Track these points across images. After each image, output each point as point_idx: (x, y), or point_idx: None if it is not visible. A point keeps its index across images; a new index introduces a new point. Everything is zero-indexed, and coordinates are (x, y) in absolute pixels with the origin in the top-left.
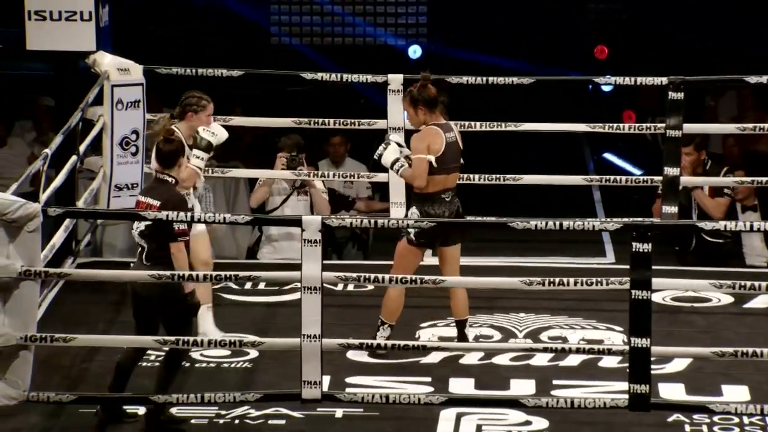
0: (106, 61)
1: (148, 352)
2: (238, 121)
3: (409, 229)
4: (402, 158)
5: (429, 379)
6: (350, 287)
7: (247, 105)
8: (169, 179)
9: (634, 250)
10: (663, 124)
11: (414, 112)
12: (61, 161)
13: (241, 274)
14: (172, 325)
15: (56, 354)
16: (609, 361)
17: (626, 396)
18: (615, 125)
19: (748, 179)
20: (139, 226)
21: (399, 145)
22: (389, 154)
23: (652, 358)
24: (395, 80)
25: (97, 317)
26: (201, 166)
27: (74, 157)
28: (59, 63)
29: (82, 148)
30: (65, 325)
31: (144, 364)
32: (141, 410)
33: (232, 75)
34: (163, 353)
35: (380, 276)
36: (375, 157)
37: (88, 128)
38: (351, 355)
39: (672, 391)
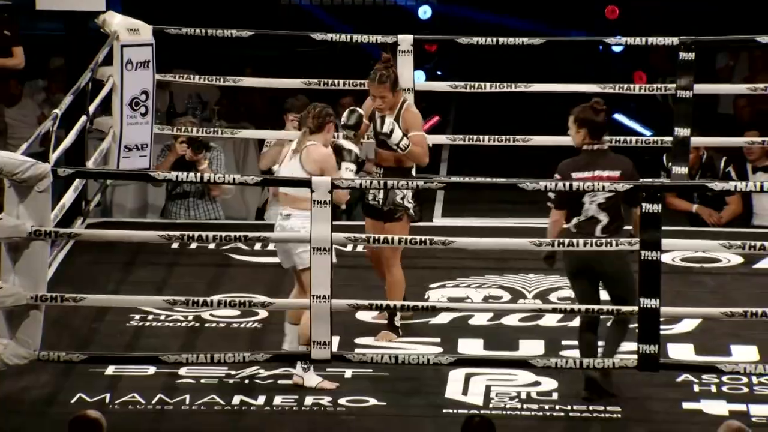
0: (116, 21)
1: (158, 312)
2: (248, 81)
3: (408, 206)
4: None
5: (438, 340)
6: (359, 248)
7: (257, 66)
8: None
9: (643, 210)
10: (674, 85)
11: (393, 95)
12: (71, 121)
13: (251, 234)
14: (623, 296)
15: (66, 314)
16: None
17: (635, 356)
18: (625, 86)
19: (760, 139)
20: (597, 198)
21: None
22: (397, 131)
23: (662, 319)
24: (405, 41)
25: (107, 277)
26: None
27: (84, 118)
28: (69, 23)
29: (91, 108)
30: (75, 285)
31: (153, 324)
32: (150, 370)
33: (242, 36)
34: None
35: (389, 237)
36: (384, 131)
37: (98, 88)
38: (360, 315)
39: (681, 352)
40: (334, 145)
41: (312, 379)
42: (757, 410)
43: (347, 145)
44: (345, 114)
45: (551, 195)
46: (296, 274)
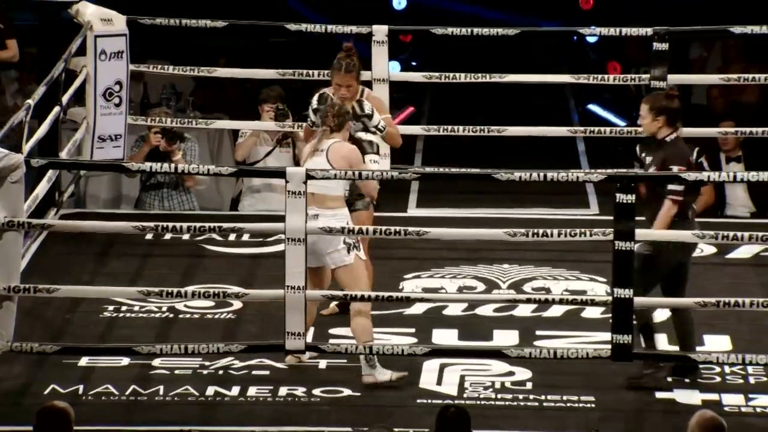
0: (89, 12)
1: (132, 303)
2: (222, 72)
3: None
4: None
5: (412, 330)
6: None
7: (231, 56)
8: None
9: (617, 201)
10: (647, 75)
11: (358, 83)
12: (44, 112)
13: (225, 225)
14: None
15: (40, 305)
16: (592, 312)
17: (609, 346)
18: (600, 76)
19: (732, 129)
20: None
21: None
22: (375, 113)
23: (635, 309)
24: (380, 31)
25: (80, 268)
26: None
27: (57, 108)
28: (43, 13)
29: (65, 99)
30: (48, 276)
31: (127, 315)
32: (124, 361)
33: (216, 26)
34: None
35: (363, 227)
36: (366, 112)
37: (72, 79)
38: (335, 306)
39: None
40: (353, 139)
41: (383, 374)
42: (730, 399)
43: (366, 137)
44: (322, 103)
45: (676, 189)
46: (321, 274)
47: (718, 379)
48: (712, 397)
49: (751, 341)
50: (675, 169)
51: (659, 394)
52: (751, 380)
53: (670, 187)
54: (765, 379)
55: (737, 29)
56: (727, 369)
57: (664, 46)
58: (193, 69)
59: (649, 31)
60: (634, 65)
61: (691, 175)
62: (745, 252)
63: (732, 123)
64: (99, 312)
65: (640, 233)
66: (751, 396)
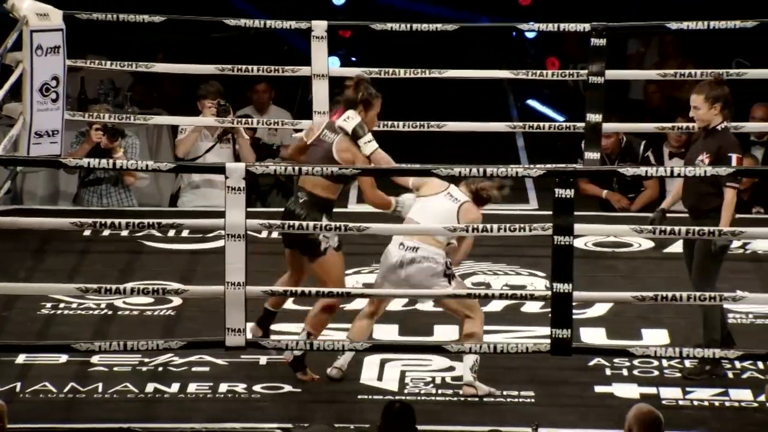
0: (25, 6)
1: (70, 300)
2: (161, 67)
3: (328, 237)
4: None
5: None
6: (274, 234)
7: (169, 52)
8: None
9: (556, 196)
10: (585, 71)
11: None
12: None
13: (164, 221)
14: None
15: None
16: (532, 307)
17: (548, 341)
18: (538, 72)
19: (669, 125)
20: None
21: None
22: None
23: (574, 303)
24: (319, 27)
25: (17, 265)
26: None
27: None
28: None
29: (0, 94)
30: None
31: (65, 312)
32: (62, 358)
33: (153, 21)
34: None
35: (305, 223)
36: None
37: (7, 74)
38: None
39: (593, 336)
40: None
41: (482, 387)
42: (668, 393)
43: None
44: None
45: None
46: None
47: (656, 373)
48: (651, 390)
49: (688, 335)
50: (734, 157)
51: (598, 388)
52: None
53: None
54: None
55: (674, 25)
56: (665, 363)
57: (602, 41)
58: (131, 64)
59: (587, 26)
60: (573, 61)
61: (630, 170)
62: (682, 246)
63: (683, 119)
64: (37, 309)
65: (579, 228)
66: (688, 389)
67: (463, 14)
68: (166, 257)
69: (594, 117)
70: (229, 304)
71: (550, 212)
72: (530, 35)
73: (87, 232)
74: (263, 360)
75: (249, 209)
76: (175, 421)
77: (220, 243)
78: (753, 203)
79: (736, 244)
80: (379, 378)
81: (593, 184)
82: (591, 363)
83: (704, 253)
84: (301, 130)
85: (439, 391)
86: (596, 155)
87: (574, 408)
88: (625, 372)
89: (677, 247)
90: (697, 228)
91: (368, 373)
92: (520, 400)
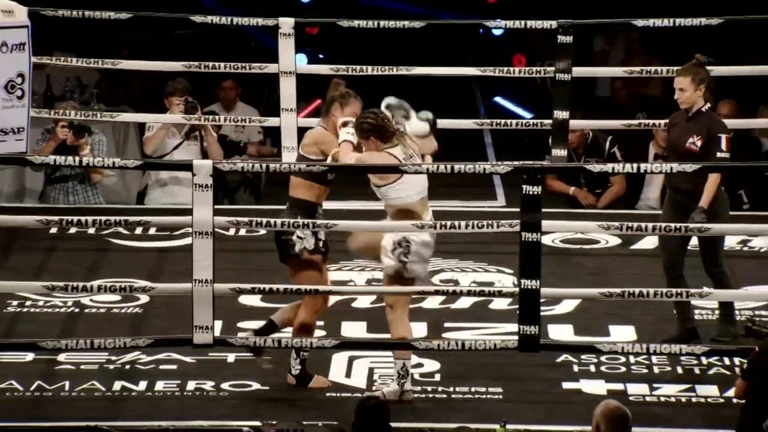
0: None
1: (36, 298)
2: (127, 64)
3: (303, 239)
4: None
5: (321, 323)
6: (242, 232)
7: (135, 49)
8: None
9: (524, 192)
10: (552, 68)
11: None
12: None
13: (131, 218)
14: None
15: None
16: (499, 303)
17: (516, 337)
18: (505, 69)
19: (636, 122)
20: None
21: None
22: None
23: (542, 300)
24: (286, 24)
25: None
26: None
27: None
28: None
29: None
30: None
31: (31, 310)
32: (29, 356)
33: (120, 18)
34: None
35: (272, 220)
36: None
37: None
38: (243, 299)
39: (561, 332)
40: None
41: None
42: (635, 389)
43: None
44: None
45: (725, 156)
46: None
47: (624, 369)
48: (618, 386)
49: (655, 331)
50: (723, 138)
51: (566, 384)
52: (656, 370)
53: (720, 155)
54: (669, 368)
55: (640, 22)
56: (632, 359)
57: (569, 38)
58: (97, 61)
59: (554, 24)
60: (540, 58)
61: (597, 167)
62: (649, 243)
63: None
64: (2, 307)
65: (547, 225)
66: (655, 385)
67: (432, 11)
68: (134, 255)
69: (561, 114)
70: (196, 301)
71: (518, 209)
72: (497, 32)
73: (53, 230)
74: (231, 358)
75: (216, 206)
76: (142, 420)
77: (187, 240)
78: (737, 187)
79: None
80: (348, 375)
81: (560, 180)
82: (559, 359)
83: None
84: (267, 128)
85: (408, 388)
86: (563, 152)
87: (542, 404)
88: (592, 368)
89: (644, 244)
90: (662, 224)
91: (336, 370)
92: (488, 396)
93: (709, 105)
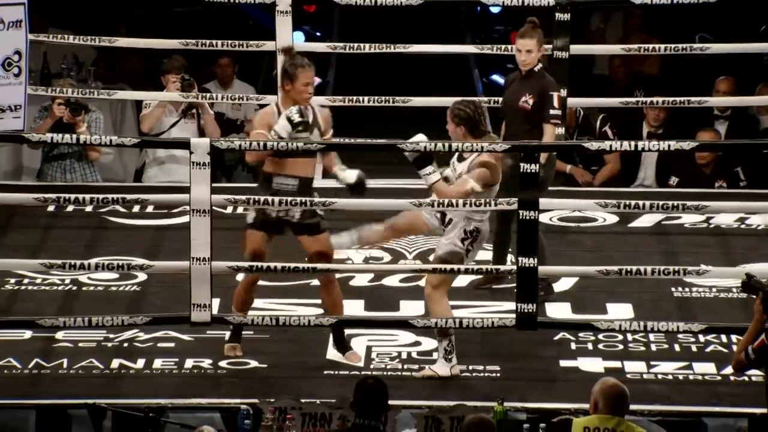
0: None
1: (34, 276)
2: (124, 42)
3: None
4: None
5: (319, 301)
6: (240, 210)
7: (132, 26)
8: None
9: (522, 170)
10: (550, 46)
11: None
12: None
13: (129, 197)
14: None
15: None
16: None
17: (514, 315)
18: (503, 47)
19: (634, 99)
20: None
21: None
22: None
23: (539, 278)
24: (283, 1)
25: None
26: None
27: None
28: None
29: None
30: None
31: (29, 287)
32: (27, 334)
33: None
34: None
35: (270, 198)
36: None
37: None
38: (240, 277)
39: (558, 310)
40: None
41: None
42: (632, 367)
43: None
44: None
45: (557, 113)
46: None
47: (621, 347)
48: (615, 364)
49: (652, 309)
50: (555, 96)
51: (563, 362)
52: (653, 347)
53: (552, 112)
54: (666, 346)
55: (638, 0)
56: (629, 337)
57: (567, 16)
58: (94, 39)
59: (552, 1)
60: None
61: (594, 145)
62: (646, 221)
63: (713, 134)
64: (0, 285)
65: (545, 202)
66: (652, 363)
67: None
68: (131, 233)
69: None
70: (194, 279)
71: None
72: (495, 10)
73: (51, 208)
74: (229, 335)
75: (214, 185)
76: (140, 397)
77: (185, 219)
78: (715, 177)
79: (699, 218)
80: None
81: (557, 159)
82: (556, 337)
83: None
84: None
85: (405, 366)
86: (561, 130)
87: (540, 382)
88: (590, 346)
89: (642, 222)
90: (660, 203)
91: (334, 349)
92: (486, 374)
93: (541, 65)
